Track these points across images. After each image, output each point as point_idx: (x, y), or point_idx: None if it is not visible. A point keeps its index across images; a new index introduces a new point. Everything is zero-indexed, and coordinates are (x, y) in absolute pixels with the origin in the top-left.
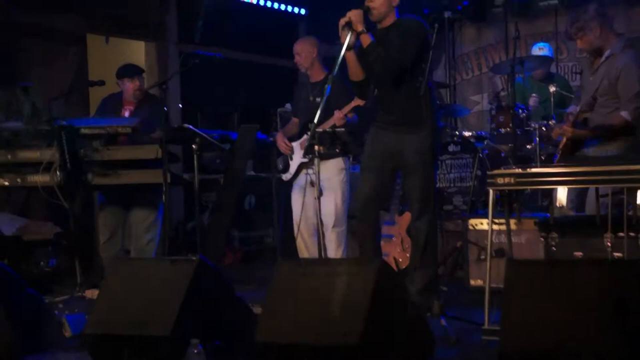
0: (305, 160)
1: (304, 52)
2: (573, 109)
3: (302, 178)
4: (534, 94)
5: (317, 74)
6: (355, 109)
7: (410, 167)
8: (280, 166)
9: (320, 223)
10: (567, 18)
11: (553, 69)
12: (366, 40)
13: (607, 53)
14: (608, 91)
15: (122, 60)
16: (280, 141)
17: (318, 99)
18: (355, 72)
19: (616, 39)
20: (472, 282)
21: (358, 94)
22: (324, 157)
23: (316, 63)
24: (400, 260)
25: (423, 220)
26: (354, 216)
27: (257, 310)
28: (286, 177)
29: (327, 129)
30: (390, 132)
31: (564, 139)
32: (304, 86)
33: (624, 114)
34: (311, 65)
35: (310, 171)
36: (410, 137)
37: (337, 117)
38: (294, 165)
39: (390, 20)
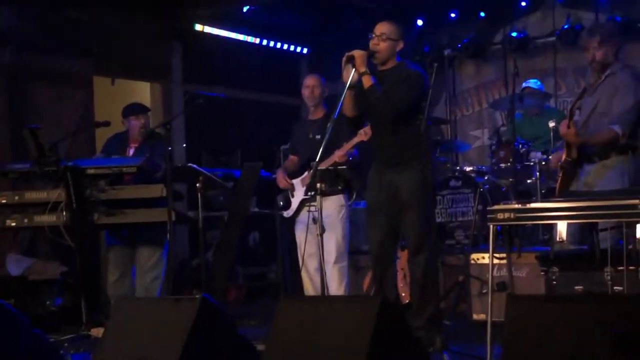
0: (307, 197)
1: (317, 87)
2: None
3: (304, 215)
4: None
5: (317, 112)
6: (356, 145)
7: (407, 202)
8: (281, 203)
9: (322, 259)
10: (564, 55)
11: (552, 104)
12: (368, 81)
13: (607, 72)
14: (605, 108)
15: (127, 100)
16: (281, 178)
17: (318, 137)
18: (349, 108)
19: (618, 61)
20: (475, 317)
21: (351, 127)
22: (324, 194)
23: (320, 101)
24: (403, 294)
25: (421, 256)
26: (358, 252)
27: (261, 347)
28: (287, 214)
29: (329, 167)
30: (387, 172)
31: (560, 174)
32: (302, 124)
33: (615, 127)
34: (318, 102)
35: (312, 208)
36: (406, 174)
37: (339, 154)
38: (295, 202)
39: (391, 63)
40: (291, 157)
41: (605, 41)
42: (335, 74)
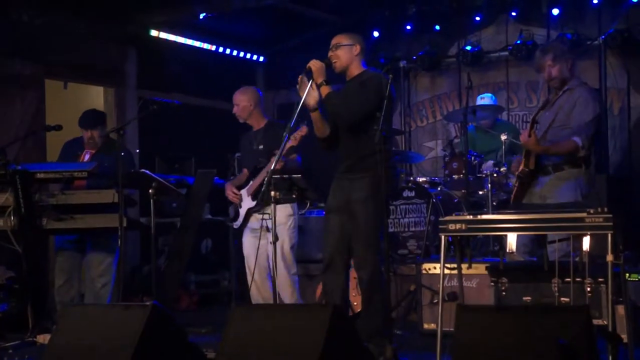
0: (252, 205)
1: (241, 103)
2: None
3: (254, 223)
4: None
5: (257, 123)
6: (305, 153)
7: (354, 212)
8: (232, 214)
9: (274, 268)
10: (517, 70)
11: (505, 118)
12: (325, 90)
13: (565, 88)
14: (563, 122)
15: (80, 104)
16: (229, 191)
17: (260, 147)
18: (320, 129)
19: (574, 77)
20: (426, 326)
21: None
22: (277, 202)
23: (255, 112)
24: (355, 303)
25: (366, 267)
26: (312, 261)
27: (211, 355)
28: (236, 225)
29: (284, 175)
30: (344, 180)
31: (516, 184)
32: (248, 135)
33: (576, 139)
34: (249, 115)
35: (266, 216)
36: (357, 183)
37: (272, 161)
38: (242, 212)
39: (355, 71)
40: (244, 170)
41: (558, 57)
42: (291, 81)
